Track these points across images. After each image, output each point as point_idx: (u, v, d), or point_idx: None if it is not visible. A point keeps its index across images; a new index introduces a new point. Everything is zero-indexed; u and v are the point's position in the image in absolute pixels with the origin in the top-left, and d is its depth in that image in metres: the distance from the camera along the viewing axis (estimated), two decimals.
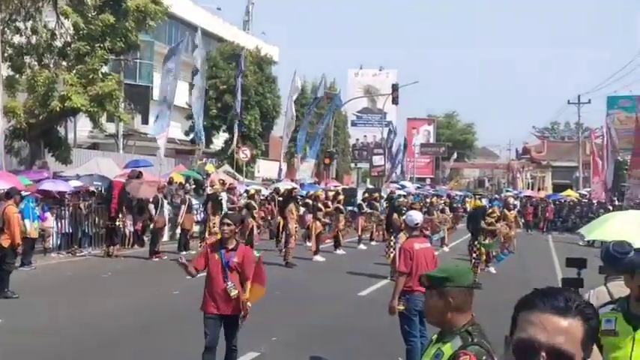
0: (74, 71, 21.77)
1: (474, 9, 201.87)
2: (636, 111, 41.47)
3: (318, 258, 18.76)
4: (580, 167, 57.70)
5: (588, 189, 50.74)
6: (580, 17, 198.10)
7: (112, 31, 21.95)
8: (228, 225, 6.85)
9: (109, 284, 13.90)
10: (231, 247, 6.87)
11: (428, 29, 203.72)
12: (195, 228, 21.02)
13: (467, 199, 41.88)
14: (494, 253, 17.68)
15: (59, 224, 18.19)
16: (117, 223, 18.44)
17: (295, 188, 20.63)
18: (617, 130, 48.29)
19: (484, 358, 2.89)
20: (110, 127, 30.39)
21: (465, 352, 2.95)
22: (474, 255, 15.36)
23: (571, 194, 48.43)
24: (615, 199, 39.28)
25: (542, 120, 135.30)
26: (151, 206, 18.54)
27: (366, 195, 26.75)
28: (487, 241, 16.22)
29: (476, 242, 15.60)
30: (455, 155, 69.12)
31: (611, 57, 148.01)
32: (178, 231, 20.05)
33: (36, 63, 22.40)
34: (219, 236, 17.83)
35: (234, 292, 6.78)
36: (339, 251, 20.77)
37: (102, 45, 21.84)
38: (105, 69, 24.91)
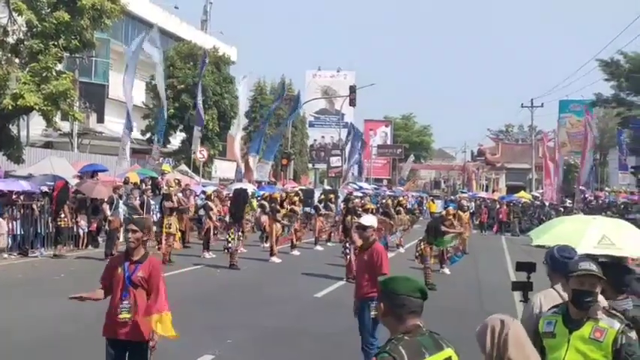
0: (27, 69, 21.34)
1: (431, 13, 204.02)
2: (584, 116, 42.44)
3: (275, 259, 18.77)
4: (533, 169, 58.80)
5: (541, 191, 51.75)
6: (535, 21, 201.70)
7: (66, 29, 21.54)
8: (134, 232, 5.73)
9: (58, 286, 13.57)
10: (136, 258, 5.74)
11: (386, 32, 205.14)
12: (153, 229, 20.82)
13: (424, 200, 42.28)
14: (448, 255, 17.90)
15: (10, 225, 17.84)
16: (59, 223, 18.20)
17: (245, 189, 20.52)
18: (569, 134, 49.40)
19: None
20: (65, 126, 29.91)
21: (375, 357, 3.14)
22: (428, 258, 15.51)
23: (524, 196, 49.30)
24: (567, 200, 40.12)
25: (497, 123, 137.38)
26: (106, 206, 18.31)
27: (322, 196, 26.85)
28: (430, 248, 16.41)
29: (421, 243, 15.82)
30: (412, 157, 69.67)
31: (565, 61, 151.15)
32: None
33: None
34: (178, 236, 17.83)
35: (123, 315, 5.63)
36: (295, 252, 20.82)
37: (56, 43, 21.42)
38: (59, 67, 24.48)
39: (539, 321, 4.88)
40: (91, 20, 22.28)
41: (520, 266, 6.06)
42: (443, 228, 16.54)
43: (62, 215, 18.47)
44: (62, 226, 18.55)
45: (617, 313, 4.07)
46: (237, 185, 25.97)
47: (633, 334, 3.86)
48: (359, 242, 7.94)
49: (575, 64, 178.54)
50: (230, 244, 17.21)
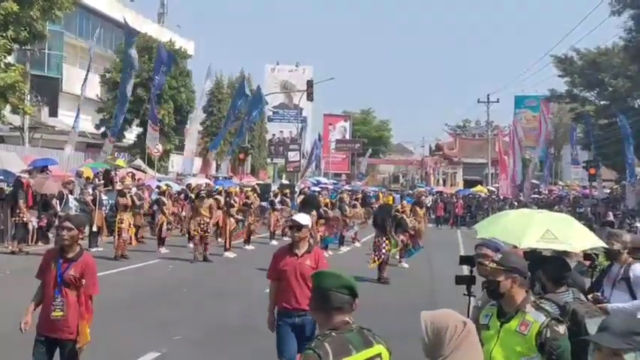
0: None
1: (390, 8, 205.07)
2: (540, 112, 43.11)
3: (229, 254, 18.66)
4: (489, 164, 59.56)
5: (497, 185, 52.46)
6: (492, 16, 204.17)
7: (15, 20, 21.05)
8: (69, 229, 5.63)
9: (1, 285, 13.24)
10: (70, 255, 5.65)
11: (345, 27, 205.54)
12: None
13: (380, 194, 42.38)
14: (405, 248, 17.99)
15: None
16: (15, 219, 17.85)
17: (208, 184, 20.40)
18: (524, 129, 50.08)
19: None
20: (16, 120, 29.24)
21: (300, 354, 3.14)
22: (383, 251, 15.53)
23: (481, 190, 49.94)
24: (521, 195, 40.71)
25: (455, 118, 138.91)
26: (56, 202, 17.94)
27: (276, 190, 26.79)
28: (395, 242, 16.44)
29: (384, 238, 15.77)
30: (370, 151, 69.93)
31: (521, 56, 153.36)
32: (95, 228, 19.41)
33: None
34: (132, 232, 17.60)
35: (56, 313, 5.55)
36: (249, 247, 20.73)
37: (4, 34, 20.91)
38: (9, 59, 23.91)
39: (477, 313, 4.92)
40: (41, 11, 21.79)
41: (463, 260, 6.05)
42: (394, 214, 16.65)
43: (17, 211, 18.03)
44: (17, 221, 18.13)
45: (547, 307, 4.09)
46: (192, 180, 25.75)
47: (561, 328, 3.88)
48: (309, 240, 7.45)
49: (532, 60, 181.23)
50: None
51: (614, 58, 41.26)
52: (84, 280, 5.65)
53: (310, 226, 6.77)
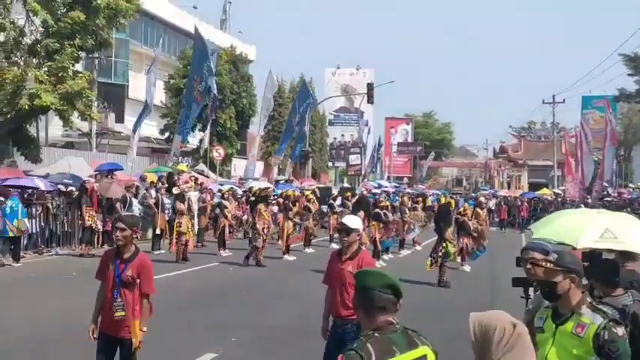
0: (44, 69, 21.54)
1: (452, 9, 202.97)
2: (605, 112, 41.84)
3: (288, 257, 18.75)
4: (555, 166, 58.15)
5: (563, 188, 51.15)
6: (558, 16, 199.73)
7: (82, 29, 21.74)
8: (122, 230, 5.68)
9: (66, 285, 13.58)
10: (126, 256, 5.71)
11: (406, 29, 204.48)
12: None
13: (442, 197, 41.90)
14: (469, 250, 17.71)
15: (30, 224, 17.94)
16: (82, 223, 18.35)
17: (268, 188, 20.53)
18: (592, 130, 48.70)
19: None
20: (84, 126, 30.13)
21: (341, 355, 3.02)
22: (440, 254, 15.33)
23: (546, 193, 48.80)
24: (589, 197, 39.57)
25: (520, 119, 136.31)
26: (119, 205, 18.37)
27: (335, 194, 26.78)
28: (452, 247, 16.20)
29: (442, 242, 15.58)
30: (432, 154, 69.29)
31: (587, 56, 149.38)
32: (158, 231, 19.79)
33: (4, 60, 22.10)
34: (189, 236, 17.86)
35: (119, 313, 5.65)
36: (309, 250, 20.76)
37: (72, 42, 21.62)
38: (77, 67, 24.68)
39: (530, 316, 4.77)
40: (106, 19, 22.46)
41: (516, 282, 5.85)
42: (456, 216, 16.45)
43: (85, 215, 18.55)
44: (83, 225, 18.66)
45: (604, 308, 3.93)
46: (253, 184, 25.99)
47: (619, 330, 3.73)
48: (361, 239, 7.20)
49: (600, 59, 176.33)
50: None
51: None
52: (138, 280, 5.71)
53: (361, 229, 6.45)
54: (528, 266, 4.99)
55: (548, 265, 3.85)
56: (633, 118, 61.10)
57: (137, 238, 5.93)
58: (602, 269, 4.69)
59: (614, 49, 77.43)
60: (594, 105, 60.36)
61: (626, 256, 5.76)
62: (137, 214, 19.35)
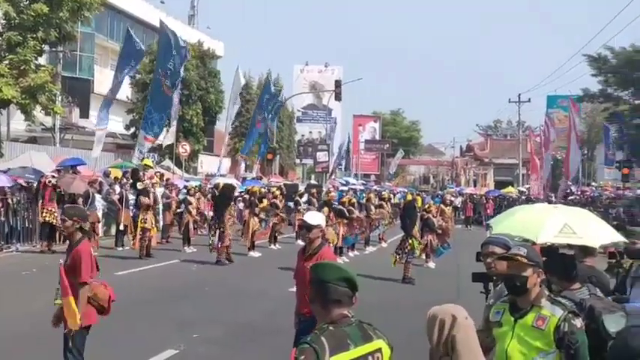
0: (5, 62, 21.08)
1: (419, 8, 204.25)
2: (569, 112, 42.44)
3: (253, 254, 18.66)
4: (520, 165, 58.86)
5: (528, 186, 51.82)
6: (524, 15, 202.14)
7: (45, 21, 21.31)
8: (64, 221, 5.92)
9: (26, 282, 13.32)
10: (71, 245, 5.91)
11: (375, 27, 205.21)
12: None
13: (409, 195, 42.15)
14: (433, 248, 17.83)
15: None
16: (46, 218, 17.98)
17: (230, 184, 20.39)
18: (557, 129, 49.34)
19: (302, 358, 2.90)
20: (48, 121, 29.64)
21: (295, 347, 3.00)
22: (406, 250, 15.38)
23: (511, 191, 49.38)
24: (552, 195, 40.14)
25: (486, 118, 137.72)
26: (81, 201, 18.07)
27: (301, 191, 26.78)
28: (418, 243, 16.30)
29: (408, 238, 15.64)
30: (400, 152, 69.57)
31: (553, 56, 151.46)
32: (121, 227, 19.54)
33: None
34: (153, 232, 17.63)
35: (56, 301, 5.78)
36: (275, 246, 20.70)
37: (35, 35, 21.19)
38: (41, 60, 24.22)
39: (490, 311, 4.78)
40: (70, 12, 22.04)
41: (477, 277, 5.87)
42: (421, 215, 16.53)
43: (42, 210, 18.20)
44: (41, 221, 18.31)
45: (563, 301, 3.96)
46: (219, 180, 25.78)
47: (578, 322, 3.78)
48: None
49: (564, 59, 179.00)
50: (213, 240, 17.04)
51: None
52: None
53: (323, 226, 6.40)
54: (489, 260, 5.00)
55: (521, 259, 3.86)
56: (597, 117, 62.00)
57: (80, 227, 5.92)
58: (559, 264, 4.72)
59: (578, 49, 78.49)
60: (559, 104, 61.13)
61: (585, 251, 5.84)
62: (100, 210, 19.21)
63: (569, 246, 5.62)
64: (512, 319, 3.89)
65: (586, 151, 64.83)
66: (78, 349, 5.84)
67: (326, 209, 16.61)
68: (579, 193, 44.76)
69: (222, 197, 18.19)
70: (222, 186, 19.70)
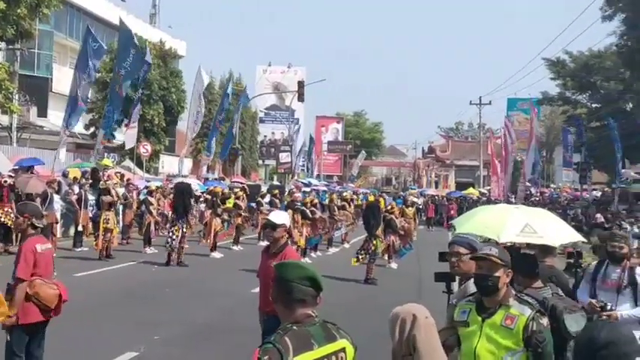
0: None
1: (382, 10, 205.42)
2: (530, 114, 43.10)
3: (215, 255, 18.50)
4: (481, 166, 59.56)
5: (488, 187, 52.44)
6: (486, 18, 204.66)
7: (2, 18, 20.88)
8: (16, 217, 5.94)
9: None
10: (20, 242, 5.98)
11: (338, 28, 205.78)
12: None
13: (371, 196, 42.34)
14: (396, 249, 17.90)
15: None
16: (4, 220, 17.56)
17: (188, 184, 20.15)
18: (517, 131, 50.07)
19: (265, 358, 2.86)
20: (4, 120, 29.03)
21: (259, 348, 2.95)
22: (370, 251, 15.42)
23: (472, 192, 49.93)
24: (513, 197, 40.69)
25: (448, 120, 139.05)
26: (38, 201, 17.70)
27: (264, 191, 26.70)
28: (381, 244, 16.36)
29: (371, 238, 15.67)
30: (363, 153, 69.82)
31: (513, 59, 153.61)
32: (80, 228, 19.20)
33: None
34: (116, 231, 17.34)
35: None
36: (237, 247, 20.58)
37: None
38: None
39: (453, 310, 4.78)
40: (28, 9, 21.64)
41: (439, 277, 5.90)
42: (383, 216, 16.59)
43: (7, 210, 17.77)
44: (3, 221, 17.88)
45: (529, 300, 3.98)
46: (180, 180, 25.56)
47: (544, 321, 3.81)
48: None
49: (525, 62, 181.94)
50: (174, 241, 16.71)
51: (606, 61, 41.22)
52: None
53: (287, 225, 6.42)
54: (453, 259, 5.02)
55: (494, 259, 3.85)
56: (555, 120, 63.09)
57: (32, 223, 5.85)
58: (523, 263, 4.76)
59: (538, 53, 79.75)
60: (519, 107, 62.11)
61: (545, 251, 5.91)
62: (58, 211, 18.85)
63: (529, 246, 5.68)
64: (480, 318, 3.88)
65: (545, 154, 65.91)
66: (13, 346, 5.80)
67: (290, 211, 16.57)
68: (539, 194, 45.48)
69: (179, 194, 17.81)
70: (176, 184, 19.49)
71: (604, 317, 5.38)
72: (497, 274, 3.84)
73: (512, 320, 3.77)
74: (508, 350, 3.75)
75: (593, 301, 5.69)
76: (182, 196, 17.72)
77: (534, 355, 3.74)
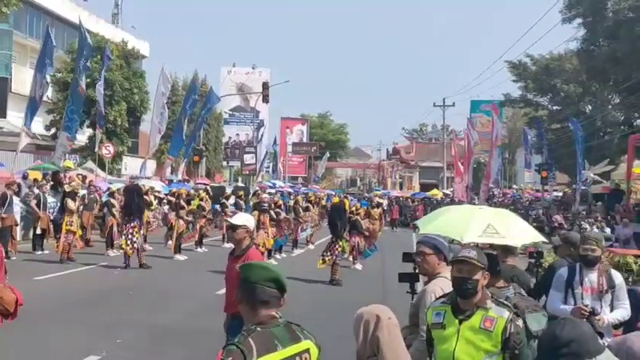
0: None
1: (347, 12, 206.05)
2: (492, 116, 43.63)
3: (179, 257, 18.34)
4: (445, 168, 60.09)
5: (452, 188, 52.94)
6: (450, 20, 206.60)
7: None
8: None
9: None
10: None
11: (303, 30, 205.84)
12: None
13: (336, 198, 42.42)
14: (360, 250, 17.97)
15: None
16: None
17: (138, 184, 19.95)
18: (480, 133, 50.63)
19: (229, 359, 2.86)
20: None
21: (222, 349, 2.94)
22: (336, 252, 15.44)
23: (436, 193, 50.33)
24: (475, 198, 41.09)
25: (412, 122, 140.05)
26: None
27: (228, 193, 26.56)
28: (347, 245, 16.41)
29: (337, 240, 15.69)
30: (327, 155, 69.93)
31: (477, 62, 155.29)
32: (39, 231, 18.85)
33: None
34: (79, 234, 17.03)
35: None
36: (201, 249, 20.44)
37: None
38: None
39: (414, 309, 4.80)
40: None
41: (406, 257, 5.97)
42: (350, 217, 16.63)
43: None
44: None
45: (506, 302, 4.00)
46: (144, 182, 25.35)
47: (520, 322, 3.83)
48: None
49: (488, 64, 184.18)
50: (134, 243, 16.50)
51: (566, 63, 41.95)
52: None
53: (249, 226, 6.27)
54: (418, 258, 5.04)
55: (476, 263, 3.84)
56: (517, 122, 63.96)
57: None
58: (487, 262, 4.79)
59: (500, 56, 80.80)
60: (482, 109, 62.84)
61: (507, 251, 5.97)
62: (18, 213, 18.49)
63: (492, 246, 5.72)
64: (457, 320, 3.84)
65: (507, 155, 66.74)
66: None
67: (256, 212, 16.52)
68: (501, 195, 46.05)
69: (130, 194, 17.53)
70: (125, 186, 19.27)
71: (596, 323, 5.26)
72: (476, 277, 3.82)
73: (492, 323, 3.75)
74: (486, 352, 3.74)
75: (582, 305, 5.54)
76: (132, 196, 17.42)
77: (511, 356, 3.74)
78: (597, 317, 5.37)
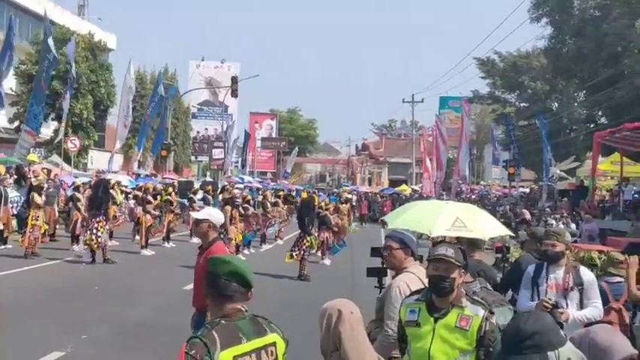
0: None
1: (316, 7, 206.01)
2: (462, 113, 43.98)
3: (146, 252, 18.15)
4: (413, 164, 60.43)
5: (420, 184, 53.26)
6: (419, 16, 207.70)
7: None
8: None
9: None
10: None
11: (272, 25, 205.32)
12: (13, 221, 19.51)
13: (305, 193, 42.47)
14: (329, 245, 17.98)
15: None
16: None
17: (106, 179, 19.71)
18: (448, 129, 51.00)
19: (192, 352, 2.86)
20: None
21: (186, 342, 2.93)
22: (304, 247, 15.41)
23: (405, 189, 50.60)
24: (444, 194, 41.39)
25: (381, 117, 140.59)
26: None
27: (196, 188, 26.39)
28: (315, 240, 16.40)
29: (306, 235, 15.66)
30: (296, 150, 69.88)
31: (446, 58, 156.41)
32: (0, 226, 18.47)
33: None
34: (44, 228, 16.71)
35: None
36: (168, 244, 20.26)
37: None
38: None
39: (381, 303, 4.79)
40: None
41: (374, 252, 5.96)
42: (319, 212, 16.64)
43: None
44: None
45: (481, 300, 3.98)
46: (111, 176, 25.05)
47: (494, 320, 3.81)
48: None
49: (457, 61, 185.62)
50: (99, 238, 16.25)
51: (534, 61, 42.44)
52: None
53: (211, 220, 6.14)
54: (385, 253, 5.03)
55: (454, 261, 3.80)
56: (485, 119, 64.57)
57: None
58: None
59: (468, 52, 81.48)
60: (450, 105, 63.30)
61: (474, 245, 5.98)
62: None
63: (458, 240, 5.73)
64: (432, 318, 3.81)
65: (475, 151, 67.36)
66: None
67: (228, 207, 16.42)
68: (469, 191, 46.45)
69: (96, 189, 17.26)
70: (94, 183, 19.01)
71: (558, 315, 5.24)
72: (453, 276, 3.79)
73: (467, 321, 3.73)
74: (461, 351, 3.72)
75: (545, 298, 5.49)
76: (98, 190, 17.14)
77: (485, 353, 3.72)
78: (560, 310, 5.33)
